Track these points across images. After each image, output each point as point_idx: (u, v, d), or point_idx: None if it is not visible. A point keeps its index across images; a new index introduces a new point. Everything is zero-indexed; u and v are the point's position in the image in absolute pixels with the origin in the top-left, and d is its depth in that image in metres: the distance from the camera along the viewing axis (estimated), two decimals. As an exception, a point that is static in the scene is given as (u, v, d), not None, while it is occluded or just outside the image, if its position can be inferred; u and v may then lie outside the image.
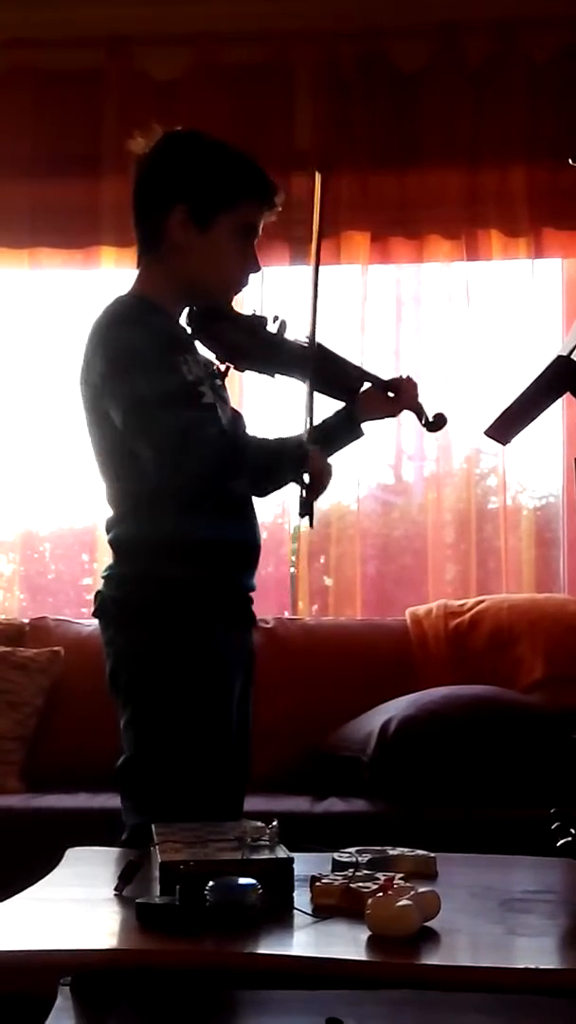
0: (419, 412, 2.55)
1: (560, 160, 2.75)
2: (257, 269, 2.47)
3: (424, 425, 2.56)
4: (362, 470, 4.06)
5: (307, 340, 2.39)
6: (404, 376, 2.57)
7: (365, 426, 2.56)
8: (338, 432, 2.55)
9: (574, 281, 4.16)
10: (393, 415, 2.58)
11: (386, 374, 2.57)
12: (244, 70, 4.07)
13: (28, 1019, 2.02)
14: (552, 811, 2.00)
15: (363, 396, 2.53)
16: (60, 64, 4.09)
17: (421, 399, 2.55)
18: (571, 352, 2.19)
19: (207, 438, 2.28)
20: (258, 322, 2.44)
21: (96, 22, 4.04)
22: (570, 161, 2.54)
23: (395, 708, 3.24)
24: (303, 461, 2.29)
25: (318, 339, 2.41)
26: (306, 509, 2.28)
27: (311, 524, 2.31)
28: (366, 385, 2.53)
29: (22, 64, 4.11)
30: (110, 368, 2.29)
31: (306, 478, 2.28)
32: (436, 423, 2.55)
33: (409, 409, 2.55)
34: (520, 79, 4.01)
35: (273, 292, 4.00)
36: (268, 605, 3.90)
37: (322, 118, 4.08)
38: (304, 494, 2.28)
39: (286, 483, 2.39)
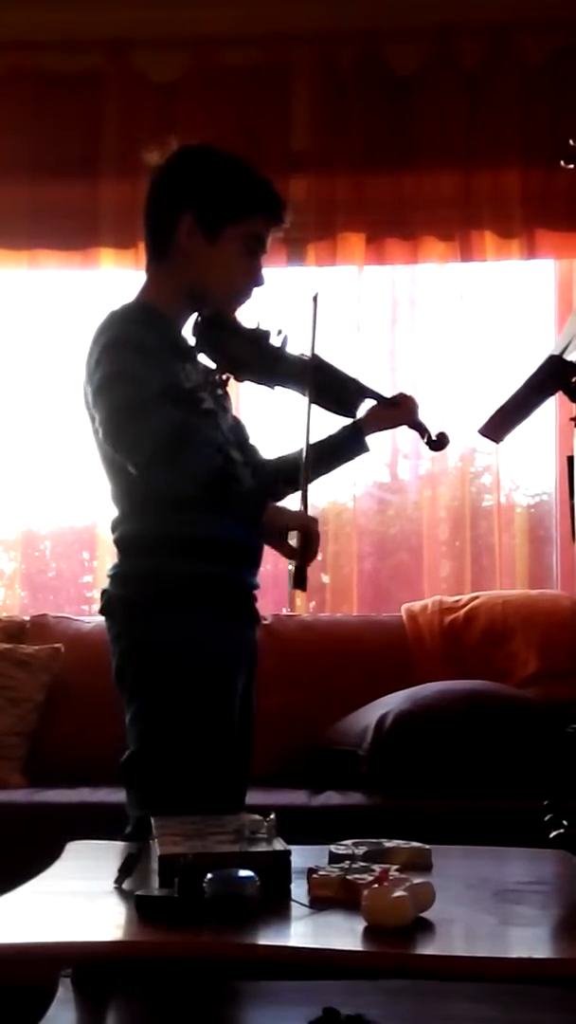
0: (422, 431, 2.58)
1: (553, 162, 2.76)
2: (261, 283, 2.49)
3: (427, 444, 2.58)
4: (358, 469, 4.07)
5: (308, 355, 2.40)
6: (403, 393, 2.61)
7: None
8: (344, 446, 2.59)
9: (566, 281, 4.18)
10: (394, 427, 2.63)
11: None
12: (242, 72, 4.08)
13: (29, 1011, 2.04)
14: (545, 803, 2.03)
15: (368, 411, 2.55)
16: (60, 66, 4.10)
17: (422, 417, 2.58)
18: (563, 351, 2.21)
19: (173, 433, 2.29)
20: (261, 335, 2.46)
21: (95, 25, 4.05)
22: (562, 163, 2.56)
23: (391, 703, 3.25)
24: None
25: (319, 353, 2.43)
26: (301, 578, 2.26)
27: (304, 589, 2.31)
28: (367, 402, 2.56)
29: (22, 66, 4.12)
30: (102, 376, 2.30)
31: (293, 539, 2.27)
32: (439, 442, 2.57)
33: (411, 427, 2.58)
34: (514, 82, 4.03)
35: (270, 292, 4.00)
36: (266, 602, 3.90)
37: (318, 120, 4.10)
38: (296, 565, 2.27)
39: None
